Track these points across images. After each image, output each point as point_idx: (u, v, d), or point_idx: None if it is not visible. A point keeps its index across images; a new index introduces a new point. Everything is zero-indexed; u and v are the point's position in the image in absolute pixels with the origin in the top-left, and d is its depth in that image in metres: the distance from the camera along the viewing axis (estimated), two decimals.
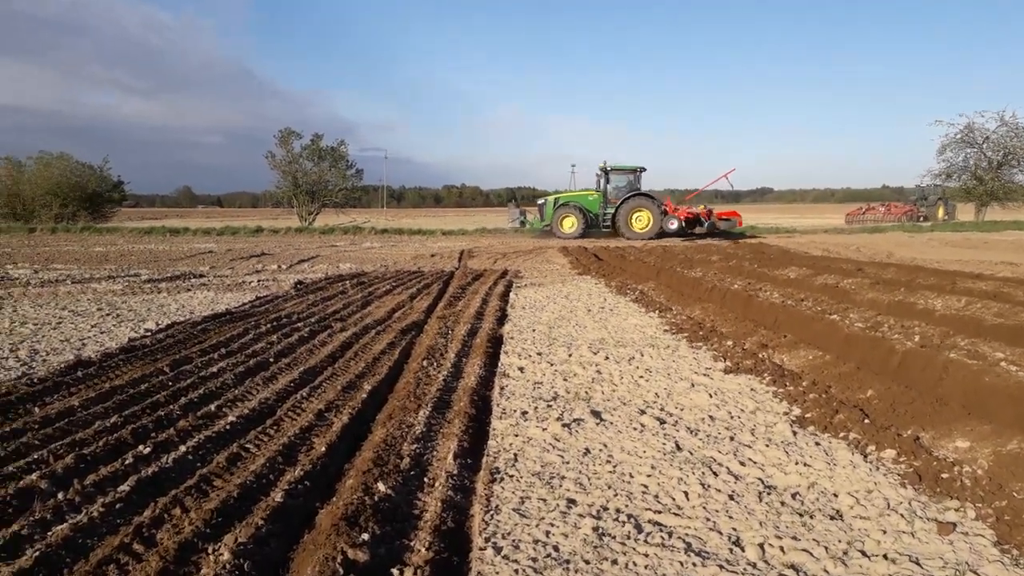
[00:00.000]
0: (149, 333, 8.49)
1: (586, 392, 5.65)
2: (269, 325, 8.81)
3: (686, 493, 3.63)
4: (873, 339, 6.65)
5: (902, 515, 3.31)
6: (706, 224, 29.27)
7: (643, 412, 5.04)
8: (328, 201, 40.93)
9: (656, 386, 5.77)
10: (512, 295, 12.16)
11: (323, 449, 4.36)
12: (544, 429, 4.60)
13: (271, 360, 7.03)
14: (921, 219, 42.16)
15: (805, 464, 3.99)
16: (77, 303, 11.02)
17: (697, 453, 4.19)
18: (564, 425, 4.65)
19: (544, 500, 3.56)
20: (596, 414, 4.97)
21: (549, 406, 5.21)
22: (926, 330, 7.26)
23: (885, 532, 3.14)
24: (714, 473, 3.89)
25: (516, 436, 4.53)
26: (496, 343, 7.91)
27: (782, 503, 3.51)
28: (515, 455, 4.19)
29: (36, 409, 5.38)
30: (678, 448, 4.26)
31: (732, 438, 4.47)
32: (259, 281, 14.59)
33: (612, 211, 29.36)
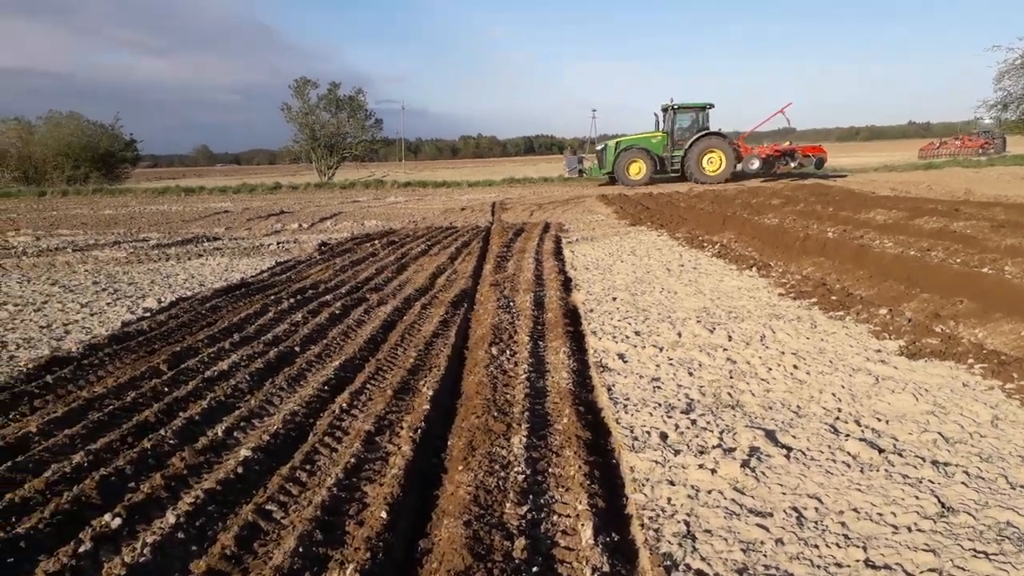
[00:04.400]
0: (148, 314, 7.01)
1: (729, 394, 4.08)
2: (292, 300, 7.30)
3: None
4: None
5: None
6: (794, 163, 26.92)
7: (836, 430, 3.47)
8: (348, 154, 39.09)
9: (824, 382, 4.19)
10: (566, 252, 10.55)
11: (383, 514, 2.84)
12: (712, 471, 3.04)
13: (296, 349, 5.53)
14: (992, 152, 39.66)
15: None
16: (72, 276, 9.58)
17: (982, 516, 2.61)
18: (741, 463, 3.08)
19: None
20: (771, 436, 3.40)
21: (693, 421, 3.65)
22: None
23: None
24: None
25: (671, 484, 2.98)
26: (573, 318, 6.34)
27: None
28: (687, 526, 2.64)
29: None
30: (944, 507, 2.69)
31: (1007, 478, 2.89)
32: (278, 243, 13.08)
33: (680, 154, 26.49)
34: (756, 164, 26.42)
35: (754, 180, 26.31)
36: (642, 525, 2.68)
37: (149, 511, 2.99)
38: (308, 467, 3.39)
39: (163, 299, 7.68)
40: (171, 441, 3.71)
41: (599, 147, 28.54)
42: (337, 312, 6.73)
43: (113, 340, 5.89)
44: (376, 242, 12.76)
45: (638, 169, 26.74)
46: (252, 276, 9.22)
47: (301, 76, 37.83)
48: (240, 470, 3.32)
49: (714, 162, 26.17)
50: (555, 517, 2.80)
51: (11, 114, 40.73)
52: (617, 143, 27.33)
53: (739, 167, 26.53)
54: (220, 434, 3.79)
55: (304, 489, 3.18)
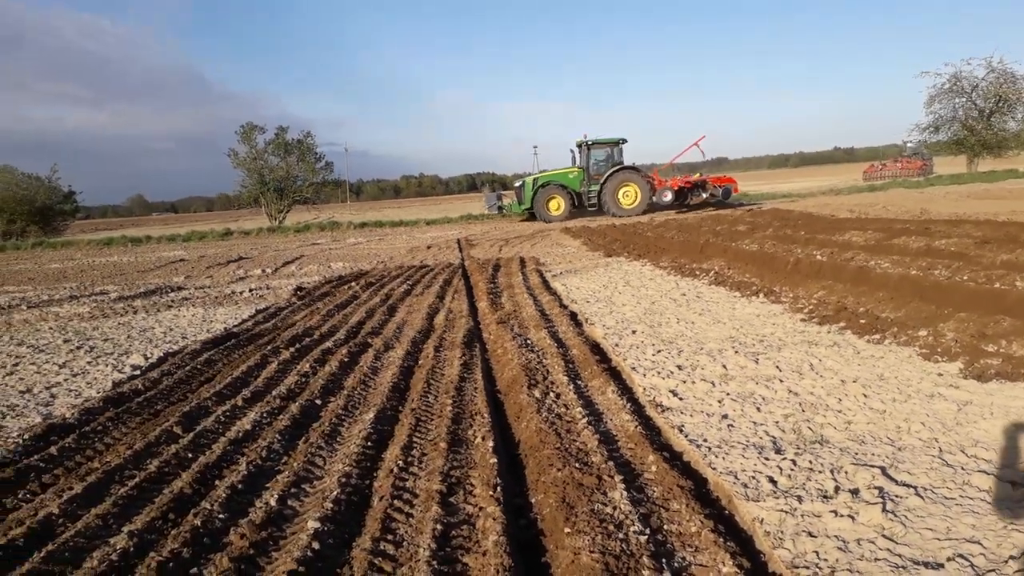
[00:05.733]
0: (138, 372, 6.51)
1: (810, 429, 3.87)
2: (291, 349, 6.87)
3: None
4: None
5: None
6: (705, 194, 27.34)
7: (948, 463, 3.28)
8: (298, 197, 38.35)
9: (904, 411, 4.01)
10: (557, 286, 10.34)
11: None
12: (851, 518, 2.81)
13: (318, 402, 5.14)
14: (927, 173, 41.25)
15: None
16: (37, 334, 8.93)
17: None
18: (880, 508, 2.84)
19: None
20: (887, 475, 3.19)
21: (793, 462, 3.42)
22: None
23: None
24: None
25: (812, 536, 2.73)
26: (600, 354, 6.09)
27: None
28: None
29: None
30: None
31: None
32: (250, 290, 12.54)
33: (596, 188, 26.94)
34: (669, 196, 26.58)
35: (668, 212, 26.60)
36: None
37: None
38: (389, 537, 3.03)
39: (149, 355, 7.17)
40: (221, 515, 3.31)
41: (517, 184, 28.63)
42: (345, 360, 6.34)
43: (109, 402, 5.41)
44: (353, 284, 12.35)
45: (557, 205, 26.93)
46: (235, 326, 8.73)
47: (248, 121, 37.07)
48: (316, 545, 2.94)
49: (629, 196, 26.58)
50: None
51: None
52: (535, 179, 27.43)
53: (653, 199, 26.85)
54: (274, 503, 3.40)
55: (397, 564, 2.82)
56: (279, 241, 26.88)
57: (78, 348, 7.81)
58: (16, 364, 7.15)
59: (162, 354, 7.14)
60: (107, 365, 6.84)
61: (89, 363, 7.00)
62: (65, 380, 6.37)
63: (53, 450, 4.33)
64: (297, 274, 15.47)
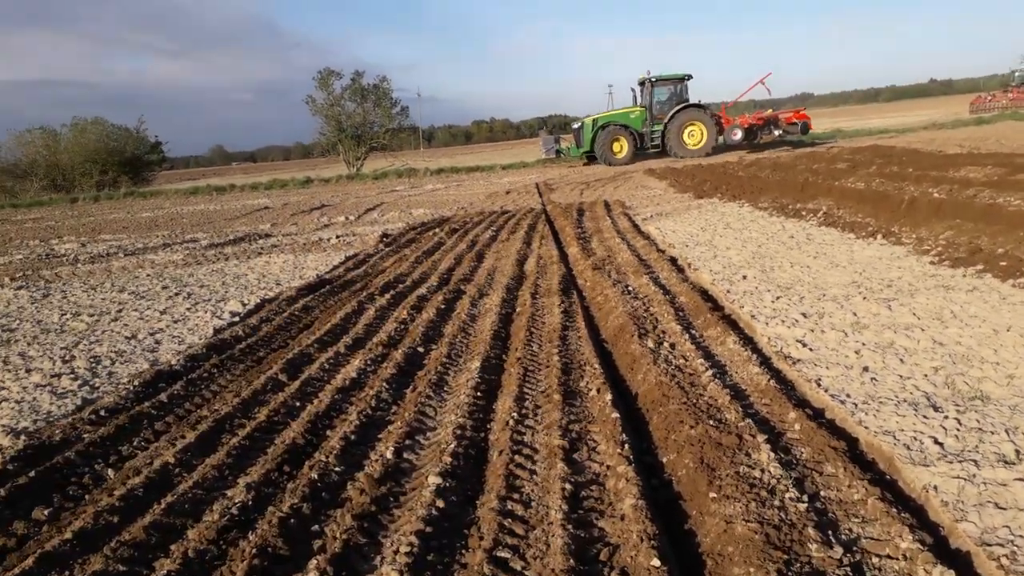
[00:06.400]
0: (237, 318, 6.52)
1: (966, 382, 3.48)
2: (387, 296, 6.76)
3: None
4: None
5: None
6: (777, 131, 25.82)
7: None
8: (376, 143, 38.38)
9: None
10: (650, 230, 9.92)
11: (654, 562, 2.28)
12: None
13: (420, 350, 5.00)
14: None
15: None
16: (136, 281, 9.13)
17: None
18: None
19: None
20: None
21: (958, 421, 3.05)
22: None
23: None
24: None
25: (1001, 508, 2.39)
26: (711, 301, 5.74)
27: None
28: None
29: (109, 473, 3.42)
30: None
31: None
32: (336, 237, 12.55)
33: (660, 128, 25.36)
34: (739, 135, 25.10)
35: (756, 151, 25.22)
36: (1001, 567, 2.10)
37: (356, 565, 2.45)
38: (515, 496, 2.84)
39: (246, 301, 7.18)
40: (337, 468, 3.19)
41: (575, 125, 27.49)
42: (441, 307, 6.19)
43: (212, 349, 5.40)
44: (437, 230, 12.20)
45: (620, 147, 25.73)
46: (327, 272, 8.70)
47: (325, 67, 37.02)
48: (440, 503, 2.77)
49: (695, 135, 25.20)
50: (878, 560, 2.22)
51: (35, 124, 40.23)
52: (594, 121, 26.18)
53: (721, 139, 25.48)
54: (390, 456, 3.25)
55: (529, 527, 2.62)
56: (358, 188, 27.01)
57: (176, 295, 7.91)
58: (120, 310, 7.28)
59: (258, 300, 7.15)
60: (206, 311, 6.89)
61: (188, 309, 7.06)
62: (167, 326, 6.43)
63: (163, 397, 4.32)
64: (380, 221, 15.43)
